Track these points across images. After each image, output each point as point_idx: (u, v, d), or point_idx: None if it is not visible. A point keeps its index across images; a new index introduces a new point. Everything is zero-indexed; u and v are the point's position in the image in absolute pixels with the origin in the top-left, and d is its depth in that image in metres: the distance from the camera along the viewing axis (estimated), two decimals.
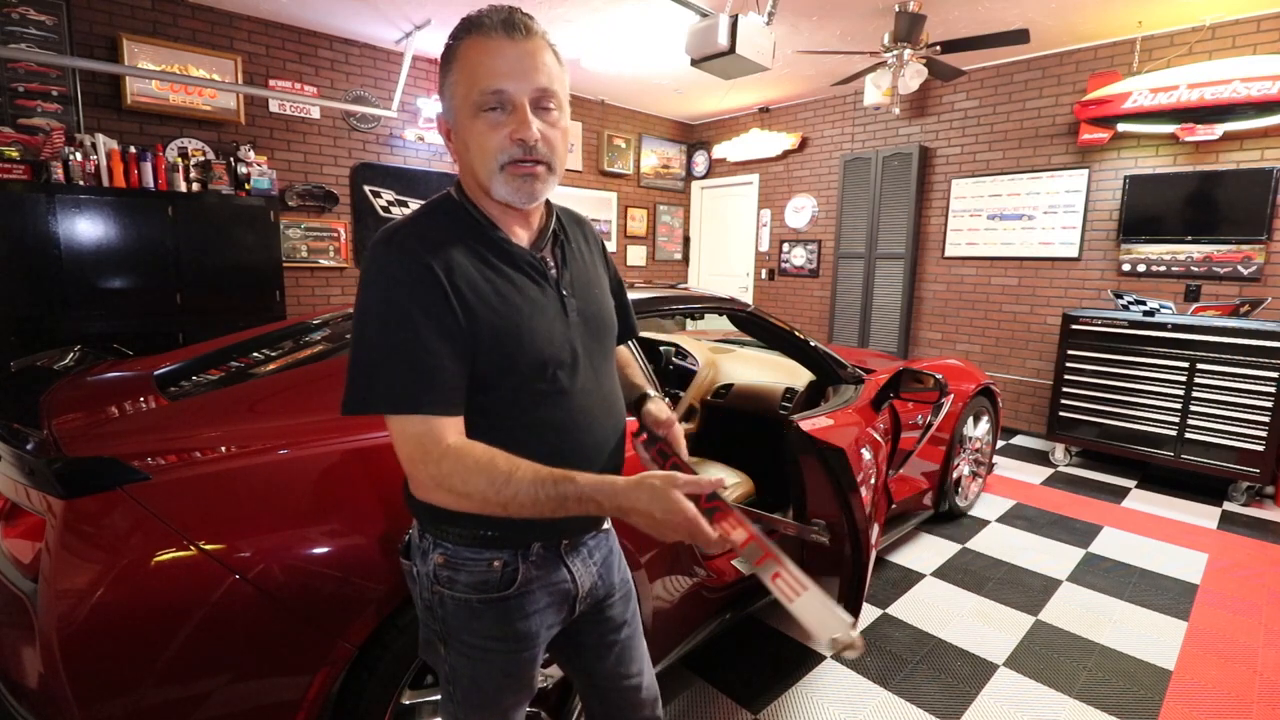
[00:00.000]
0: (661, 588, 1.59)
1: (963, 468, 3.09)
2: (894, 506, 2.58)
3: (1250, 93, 3.46)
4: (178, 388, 1.50)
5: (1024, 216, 4.58)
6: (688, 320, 3.73)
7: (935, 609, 2.35)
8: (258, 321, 2.87)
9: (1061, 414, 4.02)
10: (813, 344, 2.27)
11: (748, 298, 6.52)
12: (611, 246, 6.32)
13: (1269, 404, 3.28)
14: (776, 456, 2.22)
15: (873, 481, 1.82)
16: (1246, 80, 3.47)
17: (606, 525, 1.03)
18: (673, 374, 2.98)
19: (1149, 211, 3.97)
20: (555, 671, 1.41)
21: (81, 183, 3.33)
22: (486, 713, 0.93)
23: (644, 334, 3.18)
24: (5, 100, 3.34)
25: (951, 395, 2.60)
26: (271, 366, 1.63)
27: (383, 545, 1.16)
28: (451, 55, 0.82)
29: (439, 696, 1.02)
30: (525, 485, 0.75)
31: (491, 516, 0.78)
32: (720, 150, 6.50)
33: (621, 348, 1.13)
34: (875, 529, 1.83)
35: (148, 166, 3.55)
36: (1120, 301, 4.04)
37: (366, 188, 4.69)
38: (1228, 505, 3.44)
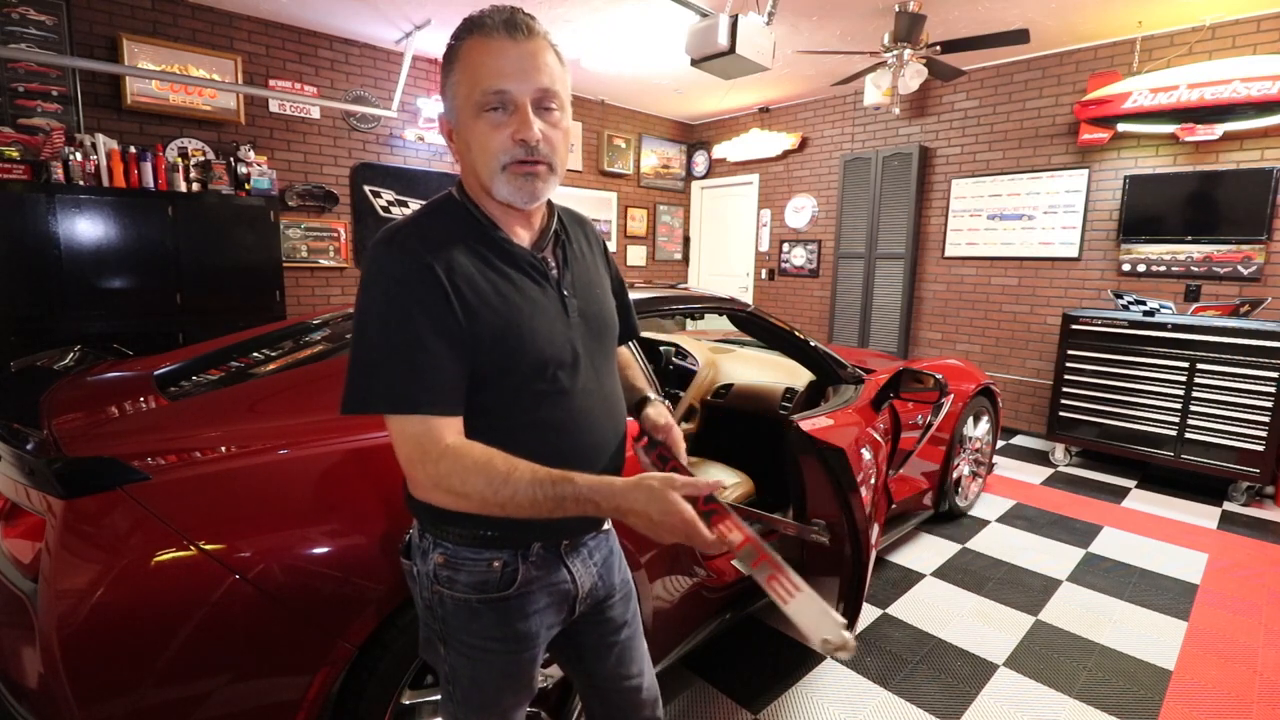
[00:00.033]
0: (661, 588, 1.59)
1: (963, 468, 3.09)
2: (894, 506, 2.58)
3: (1250, 93, 3.46)
4: (178, 388, 1.50)
5: (1024, 216, 4.58)
6: (688, 320, 3.73)
7: (935, 609, 2.35)
8: (258, 321, 2.86)
9: (1061, 414, 4.02)
10: (813, 344, 2.27)
11: (748, 298, 6.52)
12: (611, 246, 6.31)
13: (1269, 404, 3.28)
14: (776, 456, 2.23)
15: (873, 481, 1.82)
16: (1246, 80, 3.47)
17: (607, 526, 1.03)
18: (673, 374, 2.98)
19: (1149, 211, 3.97)
20: (555, 671, 1.41)
21: (81, 183, 3.33)
22: (486, 713, 0.93)
23: (644, 334, 3.18)
24: (5, 100, 3.34)
25: (951, 395, 2.60)
26: (271, 366, 1.63)
27: (383, 545, 1.16)
28: (453, 55, 0.82)
29: (439, 696, 1.02)
30: (523, 485, 0.75)
31: (491, 517, 0.78)
32: (720, 150, 6.50)
33: (623, 349, 1.13)
34: (875, 529, 1.83)
35: (148, 166, 3.55)
36: (1120, 301, 4.04)
37: (366, 188, 4.69)
38: (1228, 505, 3.44)
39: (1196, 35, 3.79)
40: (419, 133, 4.84)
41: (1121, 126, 3.97)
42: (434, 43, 4.50)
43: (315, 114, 4.40)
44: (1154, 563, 2.74)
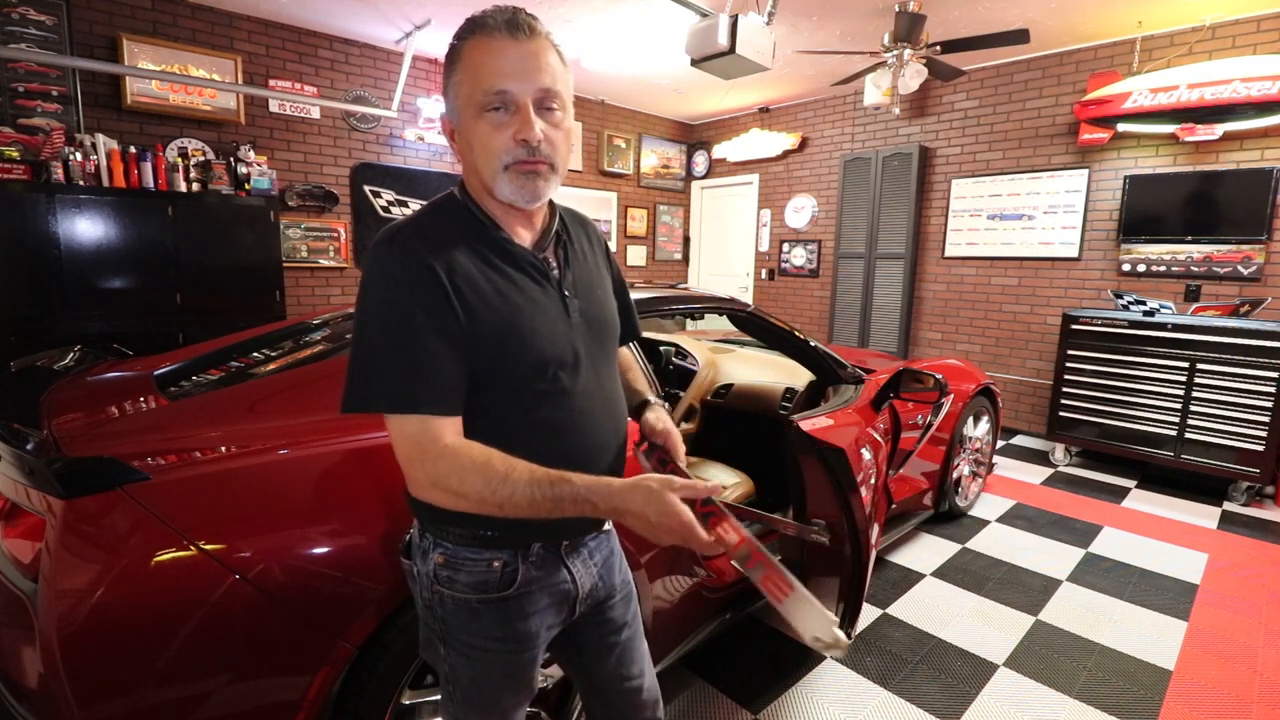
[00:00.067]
0: (661, 588, 1.59)
1: (963, 468, 3.09)
2: (894, 506, 2.58)
3: (1250, 93, 3.46)
4: (178, 388, 1.50)
5: (1024, 216, 4.58)
6: (688, 320, 3.73)
7: (935, 609, 2.35)
8: (258, 321, 2.86)
9: (1061, 414, 4.02)
10: (813, 344, 2.27)
11: (748, 298, 6.52)
12: (611, 246, 6.30)
13: (1269, 404, 3.28)
14: (776, 456, 2.22)
15: (873, 481, 1.82)
16: (1246, 80, 3.47)
17: (607, 526, 1.03)
18: (673, 374, 2.98)
19: (1149, 211, 3.97)
20: (555, 671, 1.41)
21: (81, 183, 3.33)
22: (486, 713, 0.93)
23: (644, 334, 3.18)
24: (5, 100, 3.34)
25: (951, 395, 2.60)
26: (271, 366, 1.63)
27: (383, 545, 1.16)
28: (455, 55, 0.82)
29: (439, 696, 1.02)
30: (521, 486, 0.75)
31: (491, 517, 0.78)
32: (720, 150, 6.50)
33: (624, 350, 1.12)
34: (875, 529, 1.83)
35: (148, 166, 3.55)
36: (1120, 301, 4.04)
37: (366, 188, 4.69)
38: (1228, 505, 3.44)
39: (1196, 35, 3.79)
40: (419, 133, 4.84)
41: (1121, 126, 3.97)
42: (434, 43, 4.50)
43: (315, 114, 4.40)
44: (1154, 563, 2.74)
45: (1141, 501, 3.47)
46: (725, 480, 2.29)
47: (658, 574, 1.56)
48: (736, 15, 3.13)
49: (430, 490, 0.78)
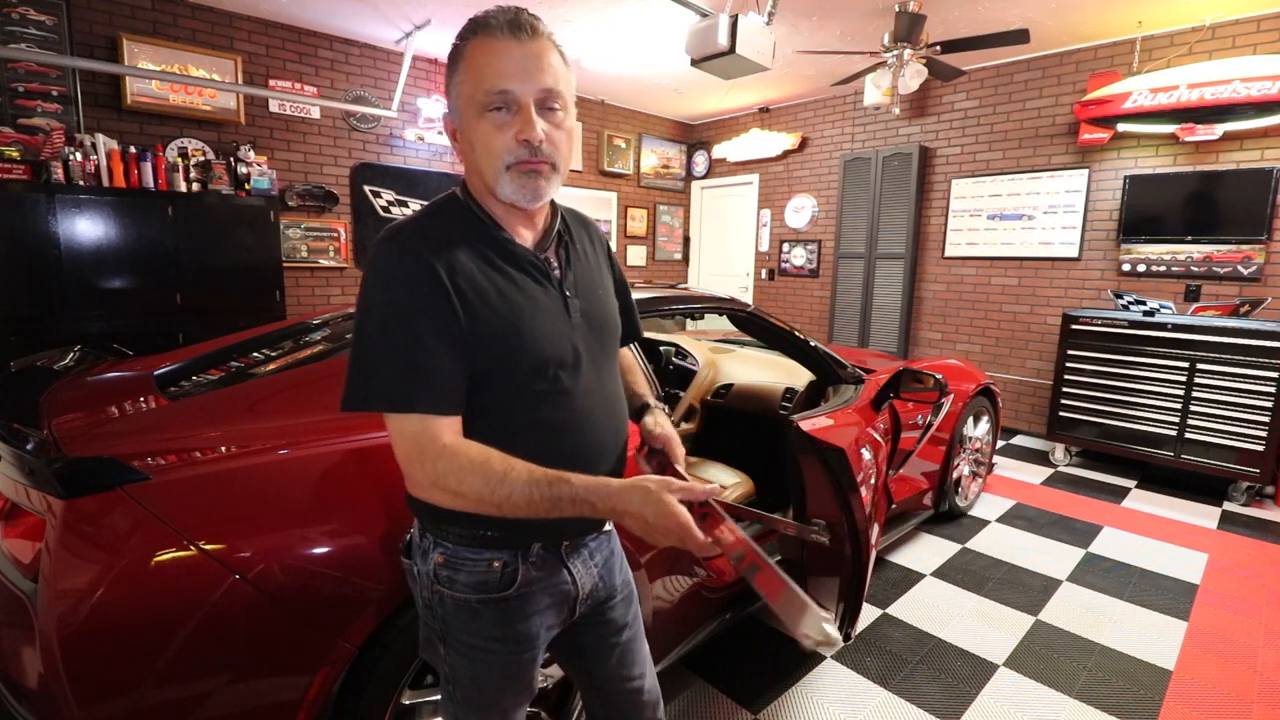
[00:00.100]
0: (661, 588, 1.59)
1: (963, 468, 3.09)
2: (894, 506, 2.58)
3: (1250, 93, 3.46)
4: (178, 388, 1.50)
5: (1024, 216, 4.58)
6: (688, 320, 3.73)
7: (935, 609, 2.35)
8: (258, 321, 2.86)
9: (1061, 414, 4.02)
10: (813, 344, 2.27)
11: (748, 298, 6.52)
12: (611, 246, 6.31)
13: (1269, 404, 3.28)
14: (776, 456, 2.22)
15: (873, 481, 1.82)
16: (1246, 80, 3.47)
17: (608, 527, 1.03)
18: (673, 374, 2.98)
19: (1149, 211, 3.97)
20: (555, 671, 1.41)
21: (81, 183, 3.33)
22: (486, 713, 0.93)
23: (645, 334, 3.18)
24: (5, 100, 3.34)
25: (951, 395, 2.60)
26: (271, 366, 1.63)
27: (383, 545, 1.16)
28: (458, 55, 0.82)
29: (439, 696, 1.02)
30: (520, 485, 0.75)
31: (492, 517, 0.78)
32: (720, 150, 6.50)
33: (625, 351, 1.13)
34: (875, 529, 1.83)
35: (148, 166, 3.55)
36: (1120, 301, 4.04)
37: (366, 188, 4.69)
38: (1228, 505, 3.44)
39: (1196, 35, 3.79)
40: (419, 133, 4.84)
41: (1121, 126, 3.97)
42: (434, 43, 4.50)
43: (315, 114, 4.40)
44: (1154, 563, 2.74)
45: (1141, 501, 3.47)
46: (725, 480, 2.29)
47: (658, 574, 1.56)
48: (736, 15, 3.13)
49: (429, 489, 0.79)
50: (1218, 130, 3.65)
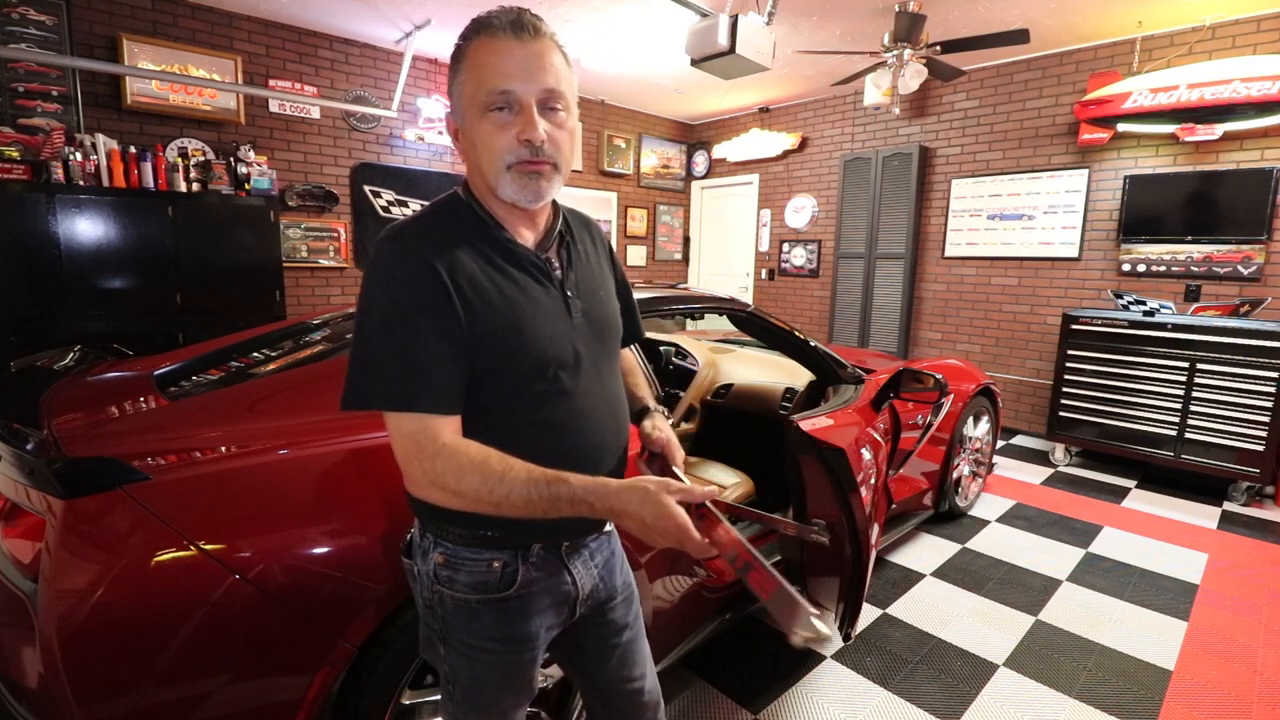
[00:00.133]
0: (661, 588, 1.59)
1: (963, 468, 3.09)
2: (894, 506, 2.58)
3: (1250, 93, 3.47)
4: (178, 388, 1.50)
5: (1024, 216, 4.58)
6: (688, 320, 3.73)
7: (935, 609, 2.35)
8: (258, 321, 2.86)
9: (1061, 414, 4.02)
10: (813, 344, 2.27)
11: (748, 298, 6.52)
12: (613, 247, 6.32)
13: (1269, 404, 3.28)
14: (776, 456, 2.23)
15: (873, 481, 1.82)
16: (1246, 80, 3.47)
17: (609, 528, 1.03)
18: (673, 374, 2.98)
19: (1149, 211, 3.97)
20: (555, 671, 1.41)
21: (81, 183, 3.33)
22: (486, 713, 0.92)
23: (645, 334, 3.18)
24: (5, 100, 3.34)
25: (951, 395, 2.60)
26: (271, 366, 1.63)
27: (383, 545, 1.16)
28: (460, 55, 0.82)
29: (439, 696, 1.02)
30: (518, 485, 0.75)
31: (492, 517, 0.78)
32: (720, 150, 6.50)
33: (626, 353, 1.13)
34: (875, 529, 1.83)
35: (148, 166, 3.55)
36: (1120, 301, 4.04)
37: (366, 188, 4.69)
38: (1228, 505, 3.44)
39: (1196, 35, 3.79)
40: (419, 133, 4.84)
41: (1121, 126, 3.97)
42: (434, 43, 4.50)
43: (315, 114, 4.40)
44: (1154, 563, 2.74)
45: (1141, 501, 3.47)
46: (725, 480, 2.29)
47: (658, 574, 1.56)
48: (736, 15, 3.13)
49: (428, 488, 0.79)
50: (1218, 130, 3.65)
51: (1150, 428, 3.68)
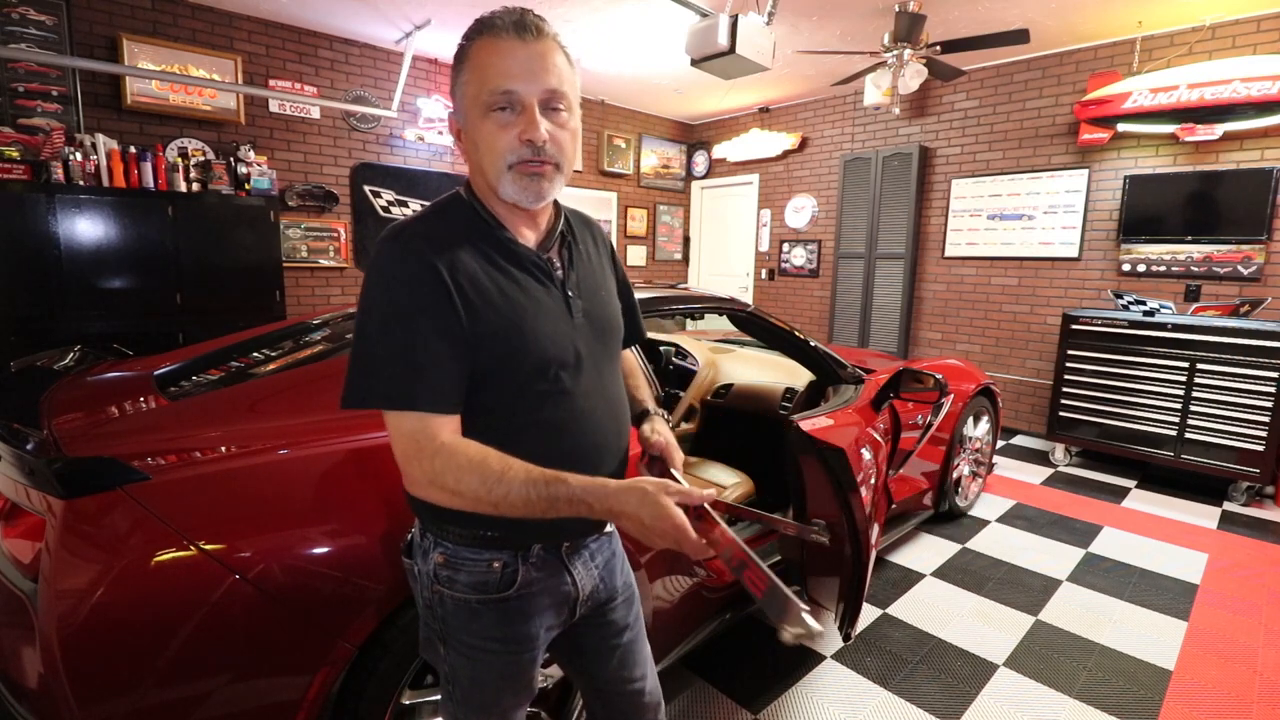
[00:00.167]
0: (661, 588, 1.59)
1: (963, 468, 3.09)
2: (894, 506, 2.58)
3: (1250, 93, 3.47)
4: (178, 388, 1.50)
5: (1024, 216, 4.58)
6: (688, 320, 3.73)
7: (935, 609, 2.35)
8: (258, 321, 2.86)
9: (1061, 414, 4.02)
10: (813, 344, 2.27)
11: (748, 298, 6.52)
12: (615, 247, 6.32)
13: (1269, 404, 3.28)
14: (776, 456, 2.23)
15: (873, 481, 1.82)
16: (1246, 80, 3.47)
17: (609, 528, 1.03)
18: (673, 374, 2.98)
19: (1149, 211, 3.97)
20: (555, 671, 1.41)
21: (81, 183, 3.33)
22: (486, 713, 0.92)
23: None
24: (5, 100, 3.33)
25: (951, 395, 2.60)
26: (271, 366, 1.63)
27: (383, 545, 1.16)
28: (463, 55, 0.83)
29: (439, 696, 1.02)
30: (517, 485, 0.75)
31: (492, 517, 0.78)
32: (720, 150, 6.50)
33: (628, 354, 1.12)
34: (875, 529, 1.83)
35: (148, 166, 3.55)
36: (1120, 301, 4.04)
37: (366, 188, 4.69)
38: (1228, 505, 3.44)
39: (1196, 35, 3.79)
40: (419, 133, 4.84)
41: (1121, 126, 3.97)
42: (434, 43, 4.50)
43: (315, 114, 4.40)
44: (1154, 563, 2.74)
45: (1141, 501, 3.47)
46: (725, 480, 2.29)
47: (658, 574, 1.56)
48: (736, 15, 3.13)
49: (427, 488, 0.79)
50: (1218, 130, 3.65)
51: (1150, 428, 3.68)
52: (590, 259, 0.99)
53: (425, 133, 4.85)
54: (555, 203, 0.94)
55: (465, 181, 0.91)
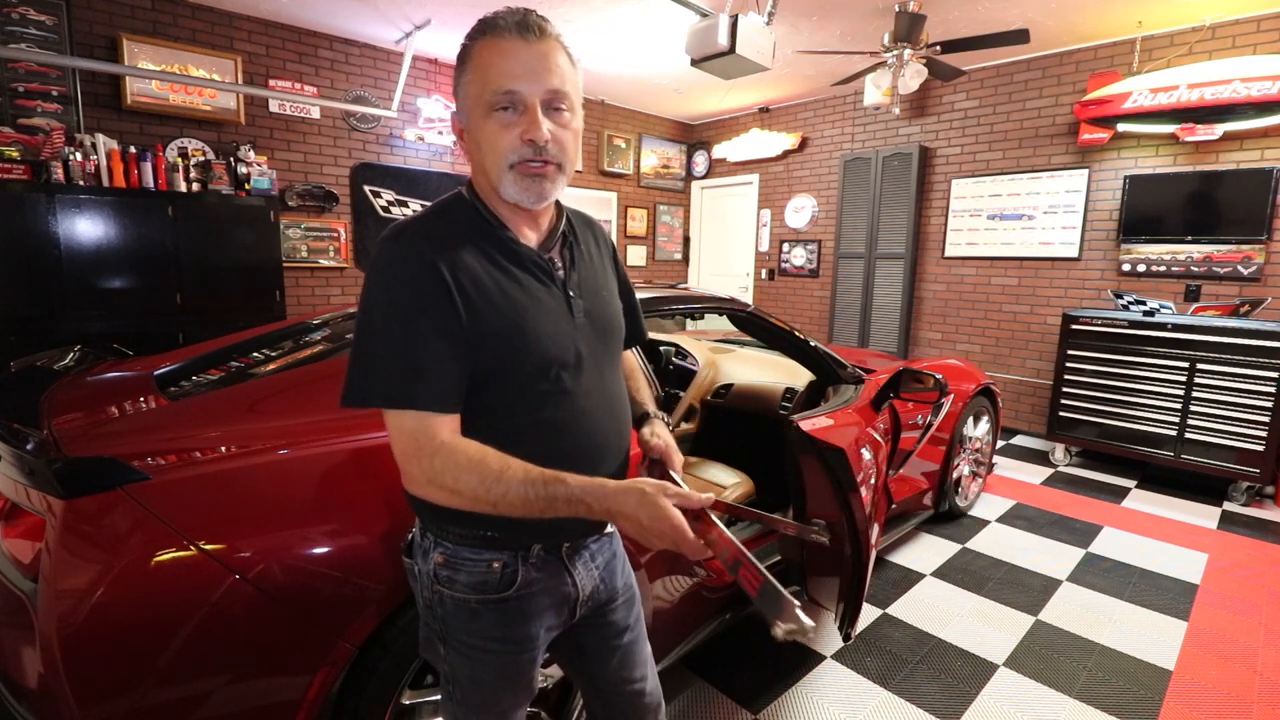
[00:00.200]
0: (661, 588, 1.59)
1: (963, 468, 3.09)
2: (894, 506, 2.58)
3: (1250, 93, 3.47)
4: (178, 388, 1.50)
5: (1024, 216, 4.58)
6: (688, 320, 3.73)
7: (935, 609, 2.35)
8: (258, 321, 2.87)
9: (1061, 414, 4.02)
10: (813, 344, 2.27)
11: (748, 298, 6.52)
12: (616, 247, 6.32)
13: (1269, 404, 3.28)
14: (776, 456, 2.22)
15: (873, 481, 1.82)
16: (1246, 80, 3.47)
17: (610, 529, 1.03)
18: (673, 374, 2.98)
19: (1149, 211, 3.97)
20: (555, 671, 1.41)
21: (81, 183, 3.33)
22: (486, 713, 0.92)
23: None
24: (5, 100, 3.34)
25: (951, 395, 2.60)
26: (271, 366, 1.63)
27: (383, 545, 1.16)
28: (466, 55, 0.83)
29: (439, 696, 1.02)
30: (515, 484, 0.76)
31: (492, 517, 0.78)
32: (720, 150, 6.50)
33: (628, 355, 1.12)
34: (875, 529, 1.83)
35: (148, 166, 3.55)
36: (1120, 301, 4.04)
37: (366, 188, 4.69)
38: (1228, 505, 3.44)
39: (1196, 35, 3.79)
40: (419, 133, 4.84)
41: (1121, 126, 3.97)
42: (434, 43, 4.50)
43: (315, 114, 4.40)
44: (1154, 563, 2.74)
45: (1141, 501, 3.47)
46: (725, 480, 2.29)
47: (658, 574, 1.56)
48: (736, 15, 3.13)
49: (425, 487, 0.79)
50: (1218, 130, 3.65)
51: (1150, 428, 3.68)
52: (592, 259, 0.99)
53: (425, 133, 4.85)
54: (557, 203, 0.94)
55: (467, 181, 0.91)
